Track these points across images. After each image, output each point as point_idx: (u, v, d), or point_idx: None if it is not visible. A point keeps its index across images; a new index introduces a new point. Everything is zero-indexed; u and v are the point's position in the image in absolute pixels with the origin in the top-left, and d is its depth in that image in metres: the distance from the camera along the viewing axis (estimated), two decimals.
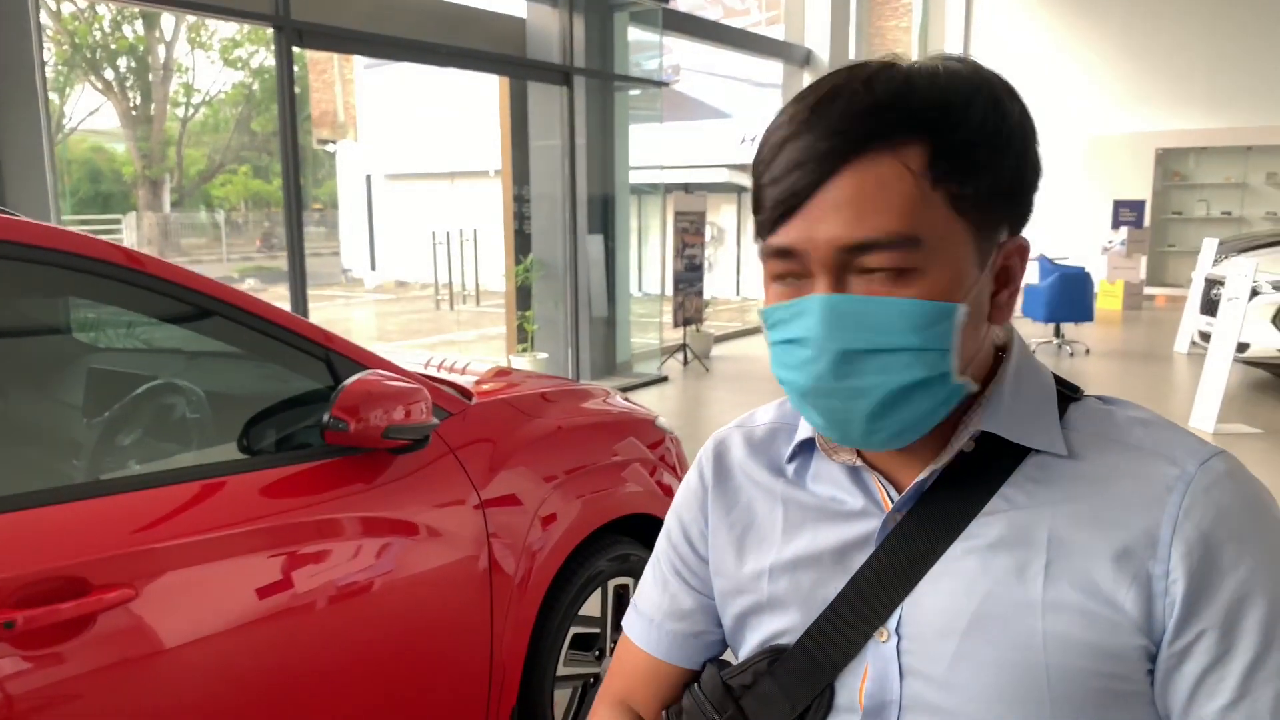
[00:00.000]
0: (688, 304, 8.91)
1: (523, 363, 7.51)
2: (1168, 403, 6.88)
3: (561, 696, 2.30)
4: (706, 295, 9.39)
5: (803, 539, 0.86)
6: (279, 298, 5.18)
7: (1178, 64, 14.48)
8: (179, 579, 1.51)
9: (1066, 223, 13.94)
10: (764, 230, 0.76)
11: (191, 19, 19.31)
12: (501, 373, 2.78)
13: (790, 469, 0.90)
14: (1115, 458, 0.77)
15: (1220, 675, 0.72)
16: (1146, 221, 13.89)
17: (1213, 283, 7.49)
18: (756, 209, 0.77)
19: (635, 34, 8.47)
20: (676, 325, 8.88)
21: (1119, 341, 10.24)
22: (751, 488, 0.92)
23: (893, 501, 0.82)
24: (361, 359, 1.93)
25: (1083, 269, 9.66)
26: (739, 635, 0.93)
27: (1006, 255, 0.78)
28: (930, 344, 0.72)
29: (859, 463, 0.84)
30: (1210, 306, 7.25)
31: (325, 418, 1.73)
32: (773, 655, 0.86)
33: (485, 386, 2.41)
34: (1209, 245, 9.19)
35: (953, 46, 16.29)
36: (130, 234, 17.70)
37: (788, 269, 0.75)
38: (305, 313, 5.20)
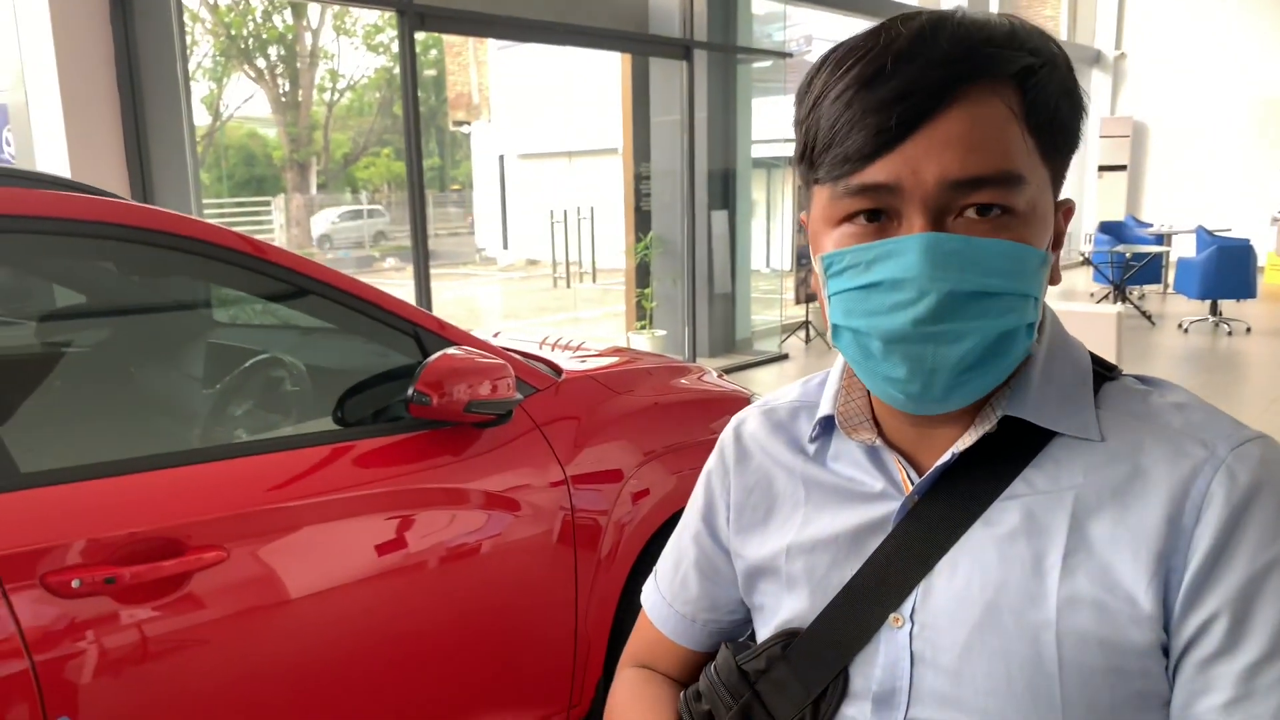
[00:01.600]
0: (810, 280, 8.75)
1: (641, 340, 7.56)
2: None
3: None
4: None
5: (822, 520, 0.85)
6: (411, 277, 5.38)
7: None
8: (274, 543, 1.60)
9: (1231, 191, 12.98)
10: (846, 167, 0.70)
11: (336, 7, 20.18)
12: (617, 351, 2.80)
13: (812, 448, 0.89)
14: (1144, 440, 0.73)
15: (1220, 669, 0.67)
16: None
17: None
18: (826, 147, 0.71)
19: (761, 5, 8.32)
20: (798, 302, 8.75)
21: None
22: (772, 466, 0.91)
23: (912, 483, 0.80)
24: (449, 335, 1.98)
25: (1246, 241, 8.97)
26: (759, 617, 0.92)
27: (1063, 215, 0.78)
28: (1027, 290, 0.70)
29: (879, 442, 0.82)
30: None
31: (410, 392, 1.79)
32: (786, 639, 0.85)
33: (585, 365, 2.44)
34: None
35: (1106, 5, 15.33)
36: (279, 214, 18.71)
37: (871, 206, 0.70)
38: (427, 293, 5.38)
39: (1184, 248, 11.28)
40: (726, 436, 0.97)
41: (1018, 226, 0.69)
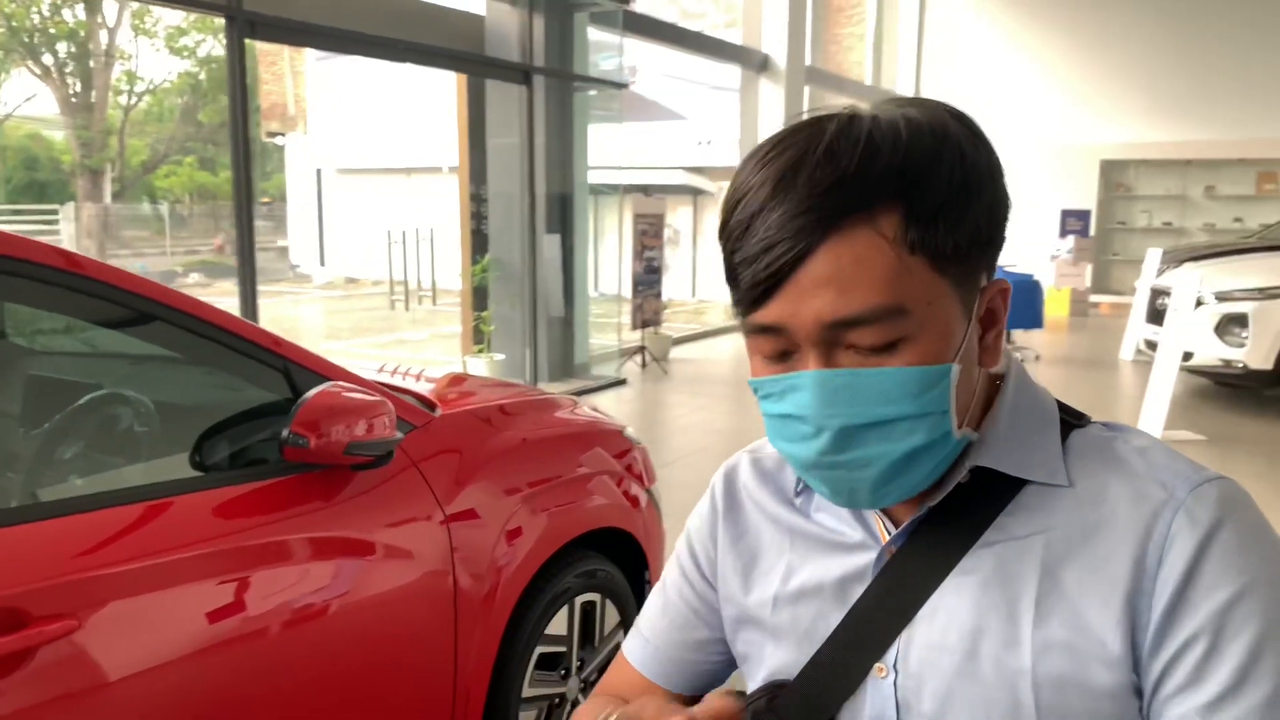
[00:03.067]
0: (646, 306, 8.87)
1: (479, 364, 7.41)
2: (1115, 409, 7.00)
3: (527, 718, 2.23)
4: (663, 298, 9.36)
5: (806, 570, 0.86)
6: (226, 294, 5.02)
7: (1121, 78, 14.81)
8: (128, 607, 1.42)
9: (1016, 229, 14.17)
10: (744, 307, 0.73)
11: (135, 5, 18.82)
12: (456, 379, 2.70)
13: (798, 500, 0.90)
14: (1109, 484, 0.75)
15: (1190, 703, 0.68)
16: (1092, 231, 14.18)
17: (1158, 293, 7.64)
18: (732, 282, 0.74)
19: (594, 34, 8.40)
20: (635, 327, 8.84)
21: (1067, 348, 10.41)
22: (759, 516, 0.92)
23: (889, 534, 0.81)
24: (321, 369, 1.84)
25: (1032, 276, 9.80)
26: (745, 668, 0.93)
27: (990, 299, 0.77)
28: (928, 408, 0.71)
29: None
30: (1156, 316, 7.40)
31: (284, 433, 1.64)
32: (772, 691, 0.85)
33: (448, 395, 2.33)
34: (1153, 255, 9.38)
35: (906, 55, 16.48)
36: (68, 225, 17.15)
37: (774, 345, 0.73)
38: (255, 311, 5.06)
39: None
40: (718, 484, 0.97)
41: (909, 350, 0.70)
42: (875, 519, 0.83)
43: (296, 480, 1.73)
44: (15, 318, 1.98)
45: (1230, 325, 6.83)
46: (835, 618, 0.82)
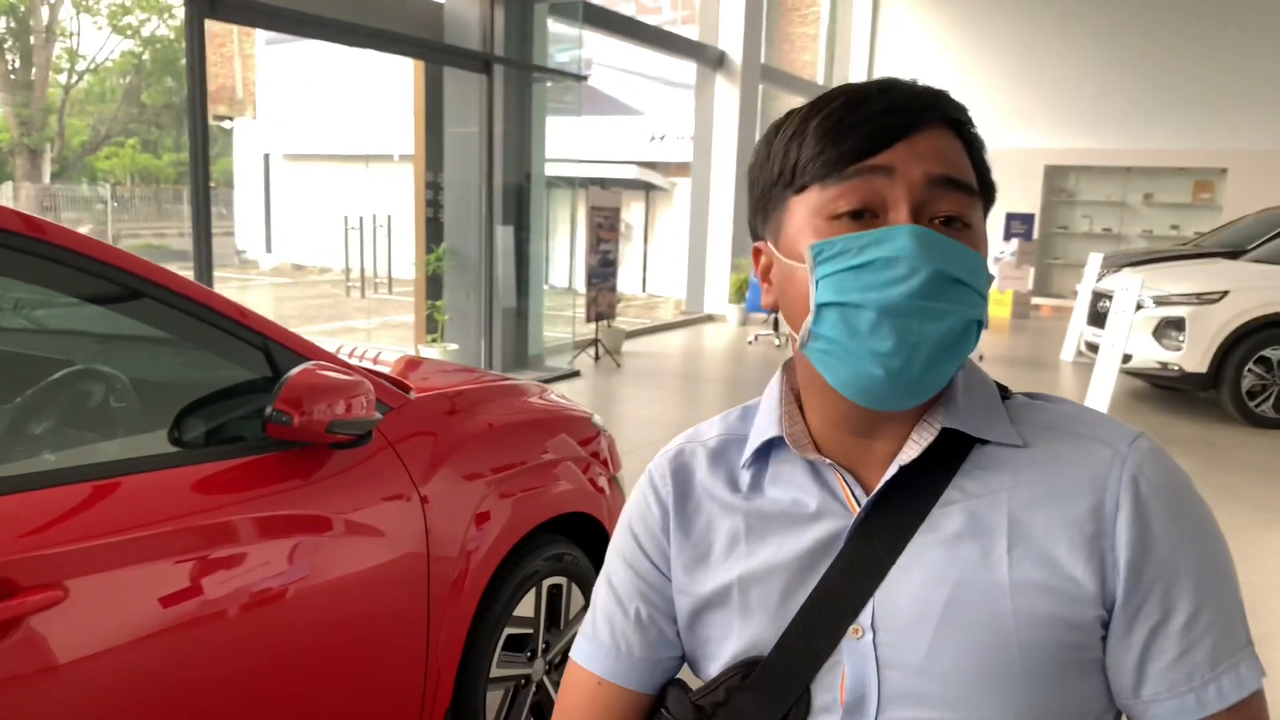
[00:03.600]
0: (601, 299, 8.90)
1: (432, 353, 7.37)
2: None
3: (494, 698, 2.26)
4: (617, 291, 9.40)
5: (768, 548, 0.87)
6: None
7: (1066, 86, 15.19)
8: (116, 579, 1.42)
9: None
10: (840, 163, 0.79)
11: None
12: (412, 363, 2.71)
13: (746, 477, 0.91)
14: (1057, 443, 0.84)
15: (1163, 634, 0.79)
16: (1035, 235, 14.53)
17: (1100, 296, 7.88)
18: (815, 156, 0.81)
19: (554, 26, 8.40)
20: (589, 320, 8.86)
21: (1010, 349, 10.67)
22: (710, 503, 0.92)
23: (855, 499, 0.85)
24: (302, 349, 1.85)
25: None
26: (704, 652, 0.91)
27: None
28: (985, 293, 0.80)
29: (826, 460, 0.87)
30: (1098, 319, 7.63)
31: (268, 410, 1.65)
32: (746, 669, 0.86)
33: (409, 379, 2.34)
34: (1094, 260, 9.66)
35: (858, 55, 16.70)
36: (6, 204, 16.62)
37: (859, 204, 0.79)
38: None
39: None
40: (660, 472, 0.96)
41: (973, 239, 0.81)
42: (841, 485, 0.86)
43: (275, 458, 1.74)
44: None
45: (1168, 329, 7.06)
46: (806, 589, 0.84)
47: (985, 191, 0.84)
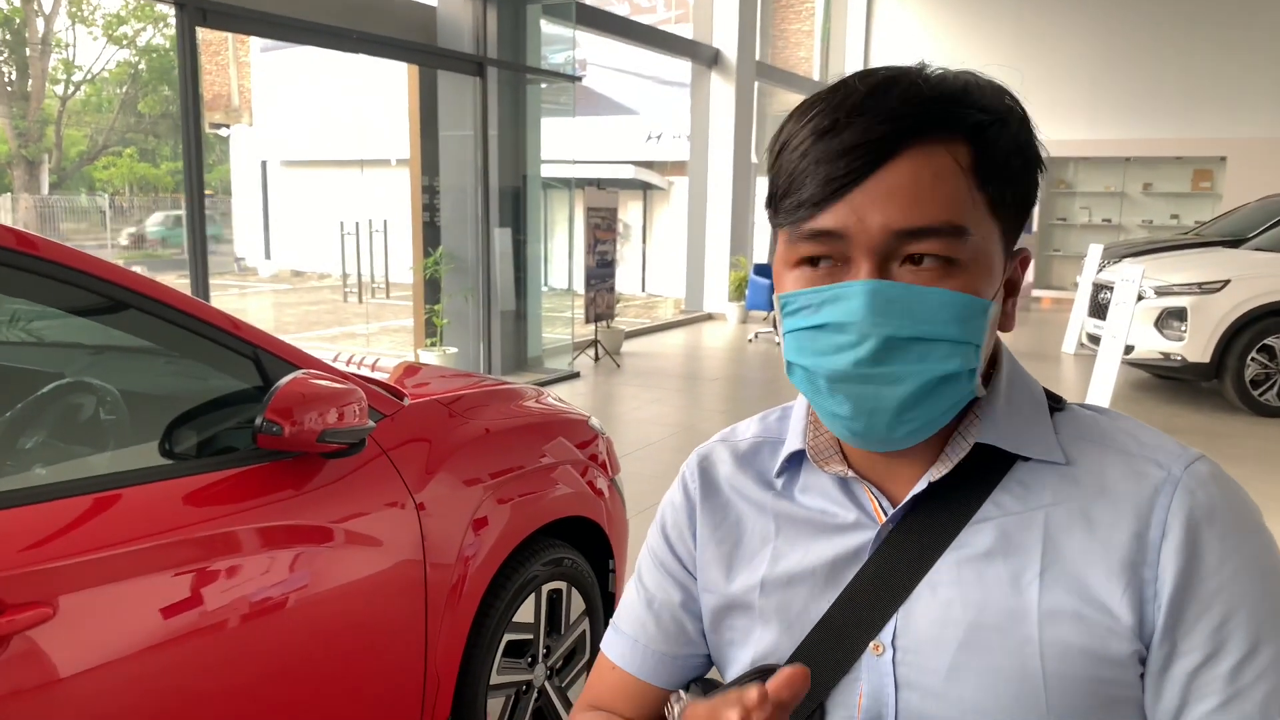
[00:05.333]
0: (599, 300, 8.88)
1: (431, 357, 7.36)
2: None
3: (494, 706, 2.24)
4: (615, 291, 9.38)
5: (795, 554, 0.85)
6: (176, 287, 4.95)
7: (1061, 77, 15.14)
8: (100, 595, 1.40)
9: None
10: (800, 213, 0.74)
11: None
12: (409, 369, 2.69)
13: (779, 482, 0.89)
14: (1104, 462, 0.79)
15: (1209, 676, 0.72)
16: (1034, 227, 14.50)
17: (1101, 287, 7.85)
18: (784, 194, 0.75)
19: (547, 27, 8.38)
20: (588, 321, 8.84)
21: (1011, 341, 10.51)
22: (740, 502, 0.91)
23: (885, 512, 0.82)
24: (292, 358, 1.83)
25: None
26: (727, 653, 0.91)
27: (1018, 265, 0.81)
28: (967, 338, 0.73)
29: (850, 473, 0.83)
30: (1099, 310, 7.60)
31: (258, 420, 1.63)
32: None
33: (406, 385, 2.33)
34: (1094, 251, 9.62)
35: (853, 51, 16.68)
36: (4, 216, 16.65)
37: (822, 252, 0.74)
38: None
39: None
40: (690, 471, 0.96)
41: (960, 276, 0.73)
42: (869, 497, 0.83)
43: (267, 468, 1.72)
44: None
45: (1169, 319, 7.03)
46: (827, 600, 0.82)
47: (1005, 204, 0.75)
